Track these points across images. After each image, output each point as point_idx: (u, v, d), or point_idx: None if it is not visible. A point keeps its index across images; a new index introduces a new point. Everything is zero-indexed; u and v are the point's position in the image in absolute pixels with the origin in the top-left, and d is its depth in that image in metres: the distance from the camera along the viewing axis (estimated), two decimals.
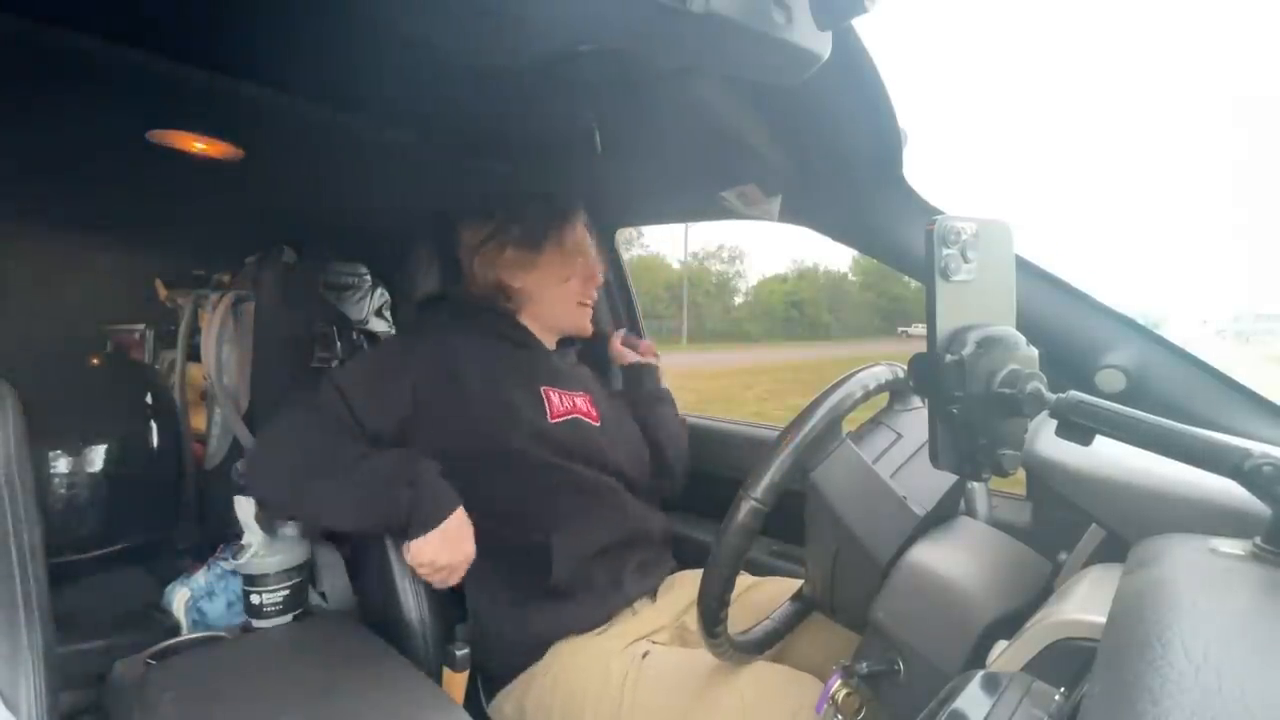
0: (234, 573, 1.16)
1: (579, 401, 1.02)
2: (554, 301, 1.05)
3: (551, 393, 0.99)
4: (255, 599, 1.08)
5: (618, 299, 1.48)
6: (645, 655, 0.85)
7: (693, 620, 0.94)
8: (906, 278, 0.99)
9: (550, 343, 1.09)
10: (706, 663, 0.79)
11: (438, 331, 1.00)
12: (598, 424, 1.02)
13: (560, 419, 0.98)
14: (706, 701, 0.76)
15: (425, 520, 0.84)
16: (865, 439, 0.77)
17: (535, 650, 0.91)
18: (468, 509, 0.88)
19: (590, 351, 1.40)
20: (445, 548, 0.85)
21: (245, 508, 1.10)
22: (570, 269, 1.05)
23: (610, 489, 0.99)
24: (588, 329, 1.09)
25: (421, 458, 0.88)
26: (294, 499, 0.89)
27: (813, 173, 0.94)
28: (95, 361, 1.57)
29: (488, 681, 0.98)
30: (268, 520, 1.03)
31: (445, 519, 0.85)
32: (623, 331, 1.30)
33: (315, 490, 0.86)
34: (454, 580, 0.89)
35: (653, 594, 1.01)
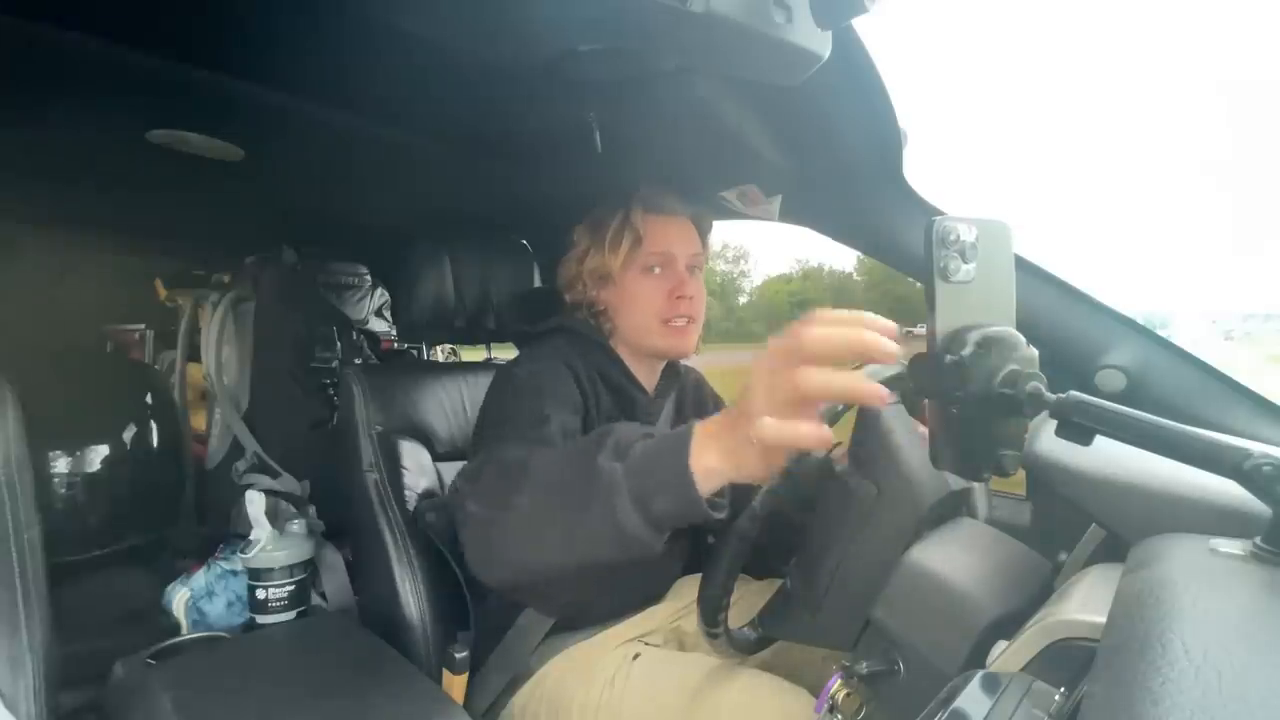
0: (234, 572, 1.16)
1: None
2: (634, 323, 0.92)
3: None
4: (260, 594, 1.08)
5: None
6: (636, 657, 0.85)
7: (689, 623, 0.94)
8: (911, 278, 0.98)
9: (650, 381, 0.97)
10: (698, 666, 0.79)
11: (561, 359, 0.88)
12: None
13: None
14: (696, 705, 0.75)
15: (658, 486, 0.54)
16: None
17: (528, 648, 0.91)
18: None
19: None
20: (737, 454, 0.52)
21: (255, 502, 1.10)
22: (646, 281, 0.90)
23: None
24: (687, 350, 0.93)
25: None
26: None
27: (813, 173, 0.94)
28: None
29: (485, 678, 0.98)
30: None
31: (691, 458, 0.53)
32: None
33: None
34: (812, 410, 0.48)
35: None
